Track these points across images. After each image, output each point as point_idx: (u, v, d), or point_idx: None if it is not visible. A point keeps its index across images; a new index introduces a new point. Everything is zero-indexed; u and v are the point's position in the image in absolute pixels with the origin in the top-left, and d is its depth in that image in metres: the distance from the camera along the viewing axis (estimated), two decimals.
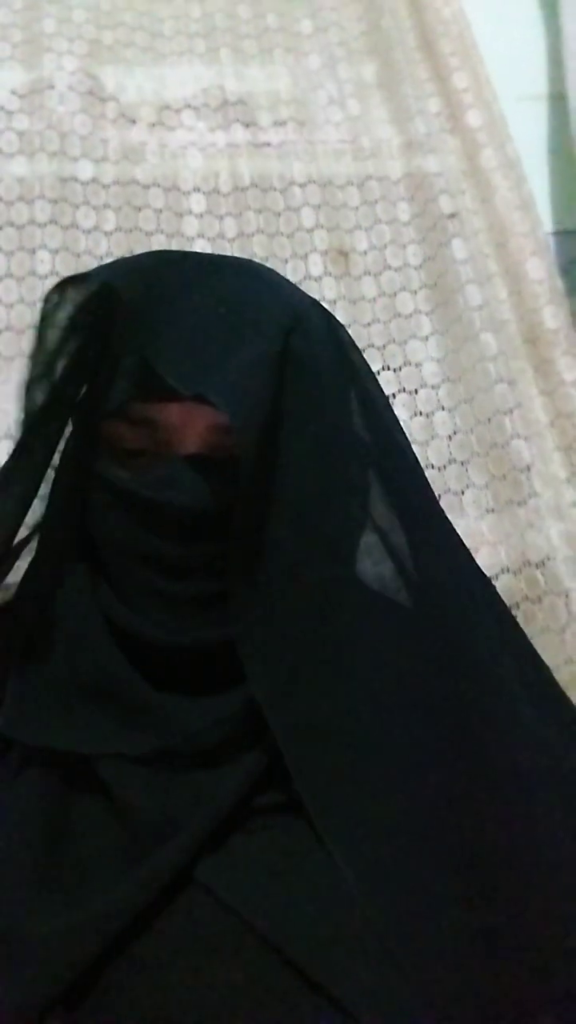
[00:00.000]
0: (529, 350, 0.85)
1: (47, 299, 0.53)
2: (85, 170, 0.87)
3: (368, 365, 0.60)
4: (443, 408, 0.87)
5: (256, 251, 0.87)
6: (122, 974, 0.44)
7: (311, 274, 0.87)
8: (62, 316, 0.52)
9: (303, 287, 0.84)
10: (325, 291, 0.86)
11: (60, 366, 0.53)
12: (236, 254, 0.87)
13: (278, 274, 0.60)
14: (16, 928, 0.44)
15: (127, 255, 0.83)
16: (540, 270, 0.86)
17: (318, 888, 0.46)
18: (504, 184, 0.89)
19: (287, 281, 0.60)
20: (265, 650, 0.49)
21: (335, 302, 0.86)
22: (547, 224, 0.95)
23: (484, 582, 0.61)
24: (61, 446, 0.55)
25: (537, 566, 0.80)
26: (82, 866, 0.47)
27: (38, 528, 0.56)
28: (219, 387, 0.46)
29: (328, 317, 0.59)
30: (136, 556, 0.50)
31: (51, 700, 0.51)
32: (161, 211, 0.85)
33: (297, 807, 0.48)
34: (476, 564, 0.60)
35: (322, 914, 0.45)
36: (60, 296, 0.52)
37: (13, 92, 0.90)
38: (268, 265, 0.85)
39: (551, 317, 0.85)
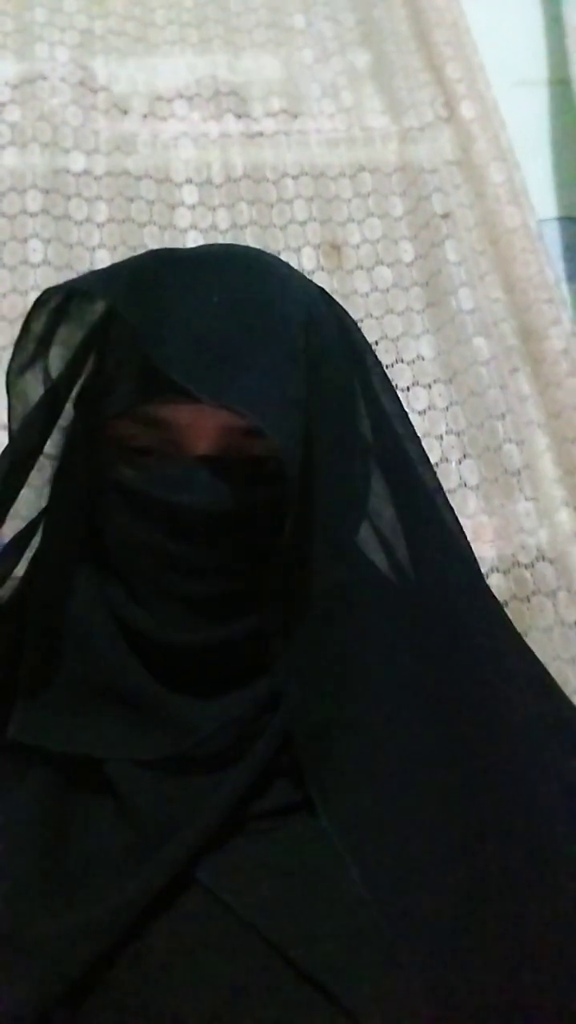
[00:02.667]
0: (523, 347, 0.84)
1: (42, 293, 0.52)
2: (77, 162, 0.87)
3: (370, 346, 0.59)
4: (435, 407, 0.86)
5: (249, 242, 0.86)
6: (125, 974, 0.44)
7: (304, 267, 0.86)
8: (51, 305, 0.52)
9: None
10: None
11: (51, 356, 0.52)
12: None
13: (285, 263, 0.59)
14: (19, 928, 0.44)
15: (119, 246, 0.83)
16: (532, 265, 0.85)
17: (320, 888, 0.46)
18: (497, 177, 0.87)
19: (294, 271, 0.58)
20: (283, 652, 0.49)
21: None
22: (547, 210, 0.94)
23: (479, 575, 0.61)
24: (60, 444, 0.54)
25: (526, 567, 0.79)
26: (86, 867, 0.47)
27: (34, 525, 0.55)
28: (245, 394, 0.45)
29: (333, 304, 0.58)
30: (149, 557, 0.50)
31: (60, 703, 0.51)
32: (153, 202, 0.85)
33: (298, 808, 0.48)
34: (475, 559, 0.59)
35: (324, 914, 0.45)
36: (56, 289, 0.52)
37: (5, 83, 0.90)
38: None
39: (543, 313, 0.84)
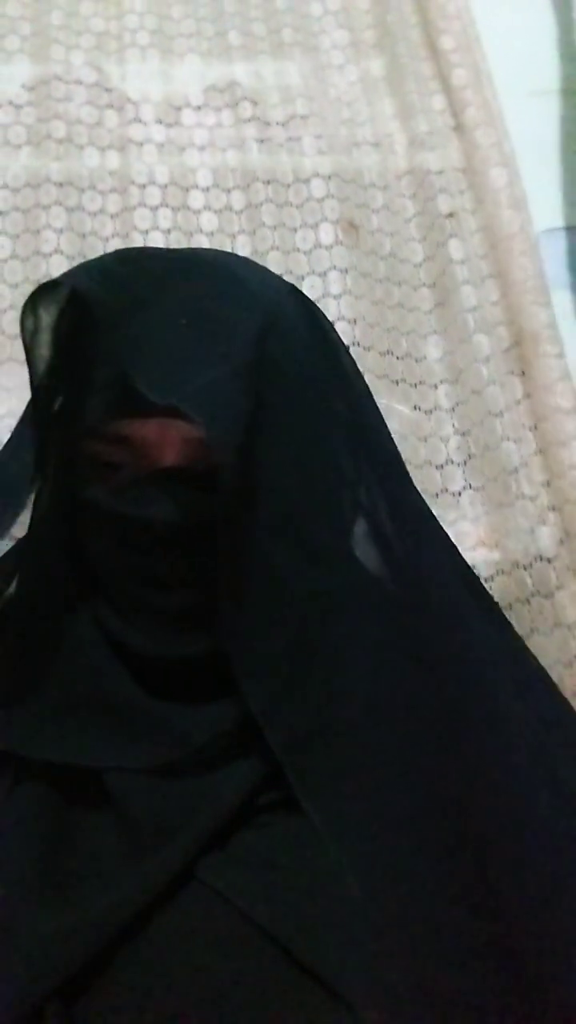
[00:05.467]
0: (517, 351, 0.84)
1: (23, 325, 0.52)
2: (91, 158, 0.88)
3: (348, 350, 0.59)
4: (441, 408, 0.86)
5: (265, 220, 0.86)
6: (122, 969, 0.43)
7: (322, 242, 0.86)
8: (44, 342, 0.52)
9: (314, 256, 0.83)
10: (336, 260, 0.85)
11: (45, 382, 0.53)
12: (244, 227, 0.86)
13: (253, 266, 0.59)
14: (16, 926, 0.44)
15: (132, 231, 0.84)
16: (528, 269, 0.85)
17: (318, 882, 0.46)
18: (499, 183, 0.88)
19: (262, 273, 0.59)
20: (258, 665, 0.49)
21: (347, 271, 0.84)
22: (558, 220, 0.94)
23: (473, 576, 0.61)
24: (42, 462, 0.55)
25: (525, 568, 0.78)
26: (83, 868, 0.47)
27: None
28: (192, 398, 0.45)
29: (307, 304, 0.58)
30: (123, 572, 0.50)
31: (49, 712, 0.51)
32: (166, 186, 0.85)
33: (296, 803, 0.48)
34: (460, 554, 0.59)
35: (322, 907, 0.45)
36: (35, 320, 0.52)
37: (21, 86, 0.91)
38: (278, 232, 0.84)
39: (536, 318, 0.83)
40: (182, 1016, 0.42)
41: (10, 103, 0.91)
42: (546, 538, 0.78)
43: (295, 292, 0.58)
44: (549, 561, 0.77)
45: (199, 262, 0.57)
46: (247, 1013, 0.42)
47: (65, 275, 0.55)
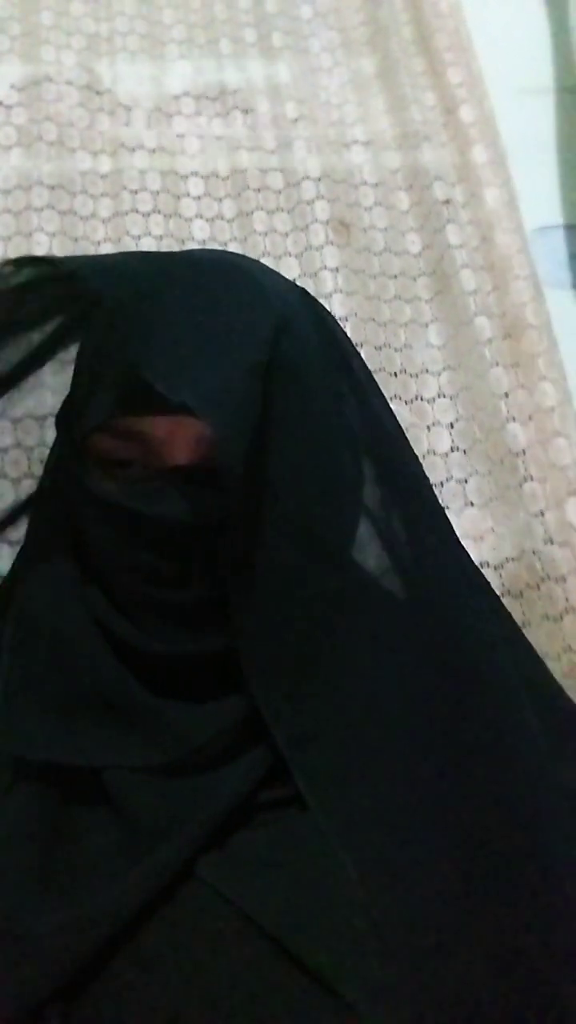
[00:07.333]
0: (511, 346, 0.84)
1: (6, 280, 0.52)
2: (83, 162, 0.88)
3: (357, 351, 0.60)
4: (445, 396, 0.86)
5: (256, 227, 0.86)
6: (122, 969, 0.43)
7: (312, 244, 0.86)
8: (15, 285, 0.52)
9: (305, 257, 0.84)
10: (327, 260, 0.85)
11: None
12: (235, 233, 0.86)
13: (263, 268, 0.60)
14: (16, 926, 0.44)
15: (124, 236, 0.83)
16: (524, 267, 0.86)
17: (319, 882, 0.46)
18: (494, 180, 0.89)
19: (273, 275, 0.59)
20: (267, 663, 0.49)
21: (338, 270, 0.84)
22: (549, 218, 0.95)
23: (478, 572, 0.61)
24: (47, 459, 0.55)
25: (534, 552, 0.78)
26: (83, 867, 0.47)
27: (11, 517, 0.55)
28: (204, 397, 0.45)
29: (316, 307, 0.58)
30: (128, 568, 0.50)
31: (48, 712, 0.50)
32: (158, 193, 0.85)
33: (298, 802, 0.48)
34: (468, 554, 0.59)
35: (323, 908, 0.45)
36: (17, 270, 0.52)
37: (12, 86, 0.91)
38: (269, 238, 0.84)
39: (533, 314, 0.84)
40: (181, 1017, 0.42)
41: (1, 104, 0.90)
42: (555, 521, 0.78)
43: (305, 295, 0.59)
44: (560, 545, 0.77)
45: (213, 261, 0.57)
46: (246, 1014, 0.42)
47: (73, 262, 0.55)
